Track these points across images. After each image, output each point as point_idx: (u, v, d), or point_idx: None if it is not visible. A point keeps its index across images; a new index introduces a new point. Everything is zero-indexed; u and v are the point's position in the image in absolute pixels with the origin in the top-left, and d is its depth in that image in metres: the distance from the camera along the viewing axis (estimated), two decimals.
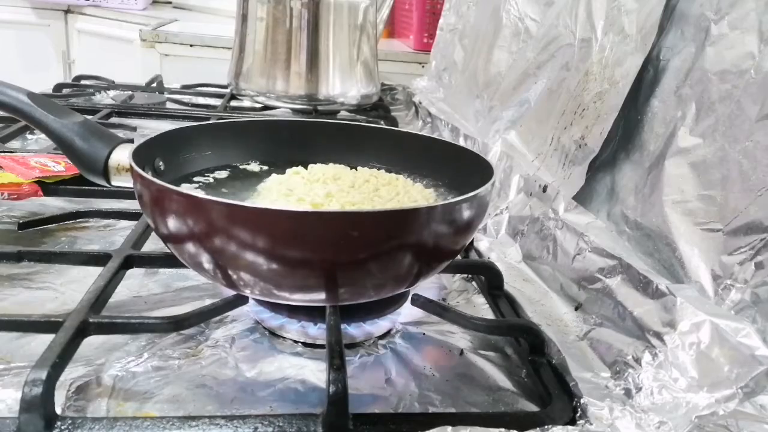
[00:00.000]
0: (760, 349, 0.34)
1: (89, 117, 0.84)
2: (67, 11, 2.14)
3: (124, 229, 0.57)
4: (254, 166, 0.55)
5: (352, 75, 1.05)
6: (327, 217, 0.36)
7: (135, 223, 0.54)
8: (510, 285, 0.51)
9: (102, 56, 2.01)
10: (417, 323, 0.47)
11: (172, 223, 0.37)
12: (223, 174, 0.53)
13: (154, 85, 1.20)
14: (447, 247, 0.40)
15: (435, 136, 0.77)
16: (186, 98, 1.12)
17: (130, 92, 1.11)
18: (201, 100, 1.13)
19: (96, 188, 0.58)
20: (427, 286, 0.52)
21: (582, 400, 0.36)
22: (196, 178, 0.51)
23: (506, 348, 0.45)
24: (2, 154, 0.65)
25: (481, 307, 0.51)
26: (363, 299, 0.40)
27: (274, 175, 0.51)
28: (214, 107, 1.06)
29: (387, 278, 0.39)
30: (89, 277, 0.44)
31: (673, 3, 0.49)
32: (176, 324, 0.39)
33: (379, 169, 0.53)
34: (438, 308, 0.44)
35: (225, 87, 1.14)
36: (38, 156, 0.65)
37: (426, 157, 0.54)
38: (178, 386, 0.38)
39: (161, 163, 0.47)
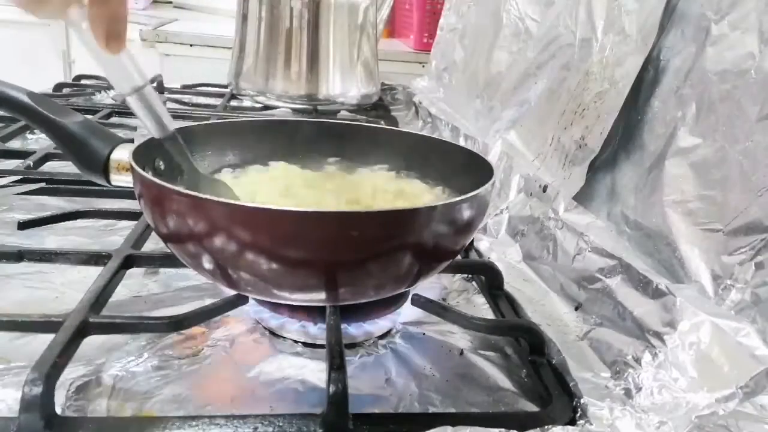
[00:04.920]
0: (760, 349, 0.34)
1: (89, 117, 0.84)
2: None
3: (124, 229, 0.57)
4: (255, 166, 0.55)
5: (352, 75, 1.05)
6: (327, 217, 0.36)
7: (135, 223, 0.54)
8: (510, 285, 0.51)
9: None
10: (417, 323, 0.47)
11: (172, 223, 0.37)
12: (223, 174, 0.53)
13: (155, 84, 1.19)
14: (447, 247, 0.40)
15: (435, 136, 0.77)
16: (186, 98, 1.12)
17: None
18: (201, 100, 1.13)
19: (96, 188, 0.58)
20: (428, 286, 0.52)
21: (582, 400, 0.36)
22: None
23: (506, 348, 0.45)
24: None
25: (481, 307, 0.51)
26: (363, 299, 0.40)
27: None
28: (214, 107, 1.06)
29: (387, 278, 0.39)
30: (89, 277, 0.44)
31: (673, 3, 0.49)
32: (176, 324, 0.39)
33: (379, 169, 0.54)
34: (438, 308, 0.44)
35: (225, 87, 1.14)
36: None
37: (426, 157, 0.54)
38: (178, 386, 0.38)
39: (161, 162, 0.47)
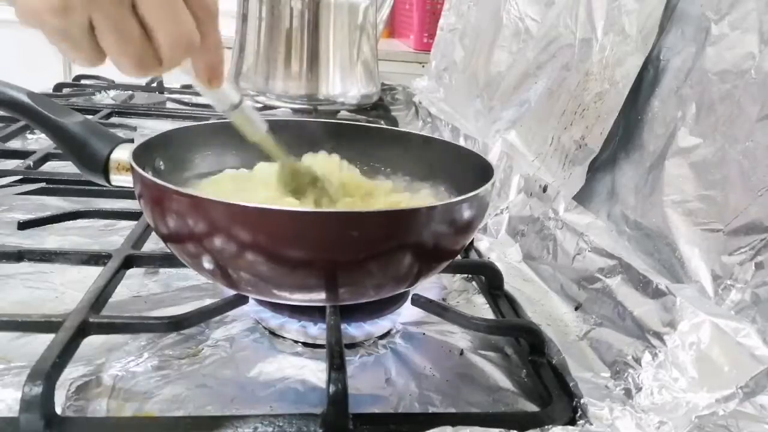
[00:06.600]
0: (760, 349, 0.34)
1: (89, 117, 0.84)
2: None
3: (124, 229, 0.57)
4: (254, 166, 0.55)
5: (352, 75, 1.05)
6: (327, 217, 0.36)
7: (135, 223, 0.54)
8: (510, 285, 0.51)
9: None
10: (417, 323, 0.47)
11: (172, 223, 0.37)
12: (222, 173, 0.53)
13: (154, 84, 1.20)
14: (447, 247, 0.40)
15: (435, 136, 0.77)
16: (186, 98, 1.12)
17: (130, 92, 1.11)
18: (201, 100, 1.13)
19: (96, 188, 0.58)
20: (428, 286, 0.52)
21: (582, 400, 0.36)
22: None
23: (506, 348, 0.45)
24: None
25: (481, 307, 0.51)
26: (363, 299, 0.40)
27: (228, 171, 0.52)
28: (214, 107, 1.06)
29: (387, 278, 0.39)
30: (89, 277, 0.44)
31: (673, 3, 0.49)
32: (176, 324, 0.39)
33: (382, 169, 0.54)
34: (438, 308, 0.44)
35: None
36: None
37: (426, 157, 0.54)
38: (178, 386, 0.38)
39: (161, 163, 0.47)
